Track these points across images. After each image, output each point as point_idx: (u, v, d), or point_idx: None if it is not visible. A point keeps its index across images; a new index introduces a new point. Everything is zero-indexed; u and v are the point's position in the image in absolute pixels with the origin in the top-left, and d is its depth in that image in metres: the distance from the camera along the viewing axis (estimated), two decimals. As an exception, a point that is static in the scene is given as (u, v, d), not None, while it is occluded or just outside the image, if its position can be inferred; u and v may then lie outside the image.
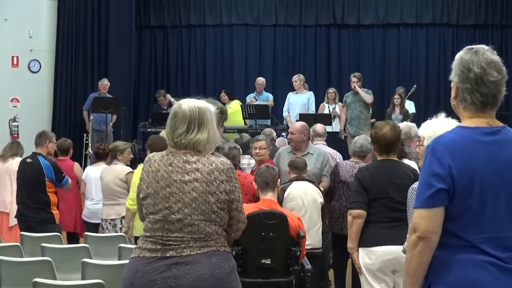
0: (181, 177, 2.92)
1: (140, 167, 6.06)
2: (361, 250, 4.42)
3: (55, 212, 6.50)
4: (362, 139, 6.13)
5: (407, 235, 3.12)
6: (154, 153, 3.10)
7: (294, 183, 5.50)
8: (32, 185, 6.39)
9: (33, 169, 6.40)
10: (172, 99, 11.18)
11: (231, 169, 3.00)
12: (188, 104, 3.02)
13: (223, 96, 11.49)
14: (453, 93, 2.43)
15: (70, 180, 6.75)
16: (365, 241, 4.39)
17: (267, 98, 11.45)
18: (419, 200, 2.33)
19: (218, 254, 2.92)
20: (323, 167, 6.15)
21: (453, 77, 2.42)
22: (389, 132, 4.50)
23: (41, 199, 6.39)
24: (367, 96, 10.58)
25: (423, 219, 2.29)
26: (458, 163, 2.28)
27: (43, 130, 7.00)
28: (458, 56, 2.41)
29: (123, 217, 6.56)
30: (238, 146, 6.03)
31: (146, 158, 3.10)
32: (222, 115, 3.96)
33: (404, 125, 6.63)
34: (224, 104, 10.85)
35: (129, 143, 7.29)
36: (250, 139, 7.10)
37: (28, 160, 6.52)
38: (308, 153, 6.18)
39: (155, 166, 2.98)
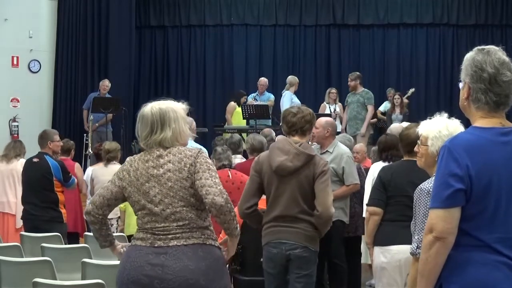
0: (156, 171, 3.08)
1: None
2: (376, 248, 4.39)
3: (63, 211, 6.53)
4: (341, 137, 6.08)
5: (414, 236, 3.11)
6: (134, 155, 3.26)
7: None
8: (40, 184, 6.36)
9: (40, 169, 6.37)
10: None
11: (199, 152, 3.13)
12: (150, 106, 3.18)
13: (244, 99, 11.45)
14: (464, 94, 2.39)
15: (76, 180, 6.81)
16: (381, 239, 4.36)
17: (268, 98, 11.45)
18: (436, 201, 2.30)
19: (204, 246, 3.05)
20: (339, 168, 5.70)
21: (464, 77, 2.38)
22: (413, 133, 4.36)
23: (50, 197, 6.38)
24: (370, 110, 10.72)
25: (441, 220, 2.27)
26: (476, 164, 2.27)
27: (44, 131, 6.91)
28: (469, 56, 2.39)
29: (119, 217, 6.81)
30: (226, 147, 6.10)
31: (127, 159, 3.25)
32: (313, 119, 4.45)
33: (398, 126, 6.60)
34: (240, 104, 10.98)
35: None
36: (240, 139, 7.12)
37: (35, 159, 6.47)
38: (327, 151, 5.74)
39: (135, 165, 3.15)
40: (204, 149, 3.64)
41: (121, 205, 6.08)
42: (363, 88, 10.89)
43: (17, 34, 11.50)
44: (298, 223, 4.14)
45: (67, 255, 4.92)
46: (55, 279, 4.14)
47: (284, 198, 4.15)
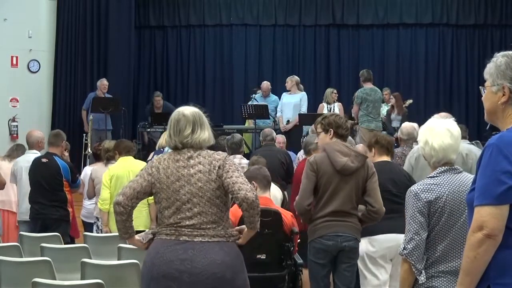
0: (187, 171, 3.31)
1: (107, 169, 6.47)
2: (364, 239, 4.72)
3: (70, 210, 6.63)
4: (309, 137, 6.38)
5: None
6: (162, 154, 3.50)
7: None
8: (49, 184, 6.44)
9: (50, 169, 6.45)
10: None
11: (227, 157, 3.40)
12: (189, 110, 3.46)
13: None
14: (503, 98, 2.41)
15: (81, 182, 6.95)
16: (368, 230, 4.69)
17: (274, 102, 11.34)
18: (487, 197, 2.29)
19: (227, 244, 3.32)
20: None
21: (501, 81, 2.41)
22: (385, 135, 4.98)
23: (59, 197, 6.48)
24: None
25: (493, 217, 2.27)
26: None
27: (58, 130, 7.08)
28: (502, 62, 2.42)
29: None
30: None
31: (155, 157, 3.53)
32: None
33: (409, 126, 6.48)
34: None
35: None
36: (241, 138, 7.15)
37: (44, 160, 6.53)
38: None
39: (164, 163, 3.36)
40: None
41: (105, 206, 6.18)
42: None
43: (17, 34, 11.49)
44: (350, 218, 4.52)
45: (66, 255, 4.93)
46: (54, 279, 4.15)
47: (341, 195, 4.49)
